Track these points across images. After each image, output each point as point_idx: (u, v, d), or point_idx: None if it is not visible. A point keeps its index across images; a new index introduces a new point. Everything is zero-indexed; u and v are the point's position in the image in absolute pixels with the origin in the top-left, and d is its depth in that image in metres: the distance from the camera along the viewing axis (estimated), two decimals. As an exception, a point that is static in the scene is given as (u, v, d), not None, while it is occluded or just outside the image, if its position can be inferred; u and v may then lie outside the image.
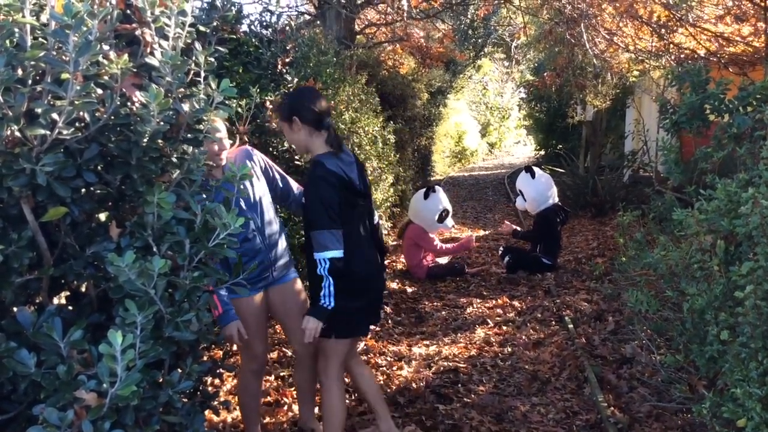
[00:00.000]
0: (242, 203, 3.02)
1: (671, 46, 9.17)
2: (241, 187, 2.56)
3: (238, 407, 3.93)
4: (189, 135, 1.86)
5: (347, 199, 2.92)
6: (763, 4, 6.45)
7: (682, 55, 9.12)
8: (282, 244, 3.23)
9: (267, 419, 3.82)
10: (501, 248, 7.29)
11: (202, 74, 1.91)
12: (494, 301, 6.09)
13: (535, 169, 7.17)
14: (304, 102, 2.94)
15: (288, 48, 4.22)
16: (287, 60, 4.21)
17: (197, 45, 1.86)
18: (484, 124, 25.96)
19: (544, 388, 4.22)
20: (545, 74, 12.08)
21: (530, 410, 3.91)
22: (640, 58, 10.29)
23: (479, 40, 17.54)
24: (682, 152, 4.07)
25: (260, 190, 3.13)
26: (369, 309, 3.10)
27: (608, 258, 7.19)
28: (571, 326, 5.21)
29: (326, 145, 2.97)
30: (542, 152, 18.10)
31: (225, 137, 2.92)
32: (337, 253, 2.82)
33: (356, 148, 6.16)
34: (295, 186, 3.38)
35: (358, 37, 9.98)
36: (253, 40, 4.07)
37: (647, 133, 10.58)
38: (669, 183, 4.43)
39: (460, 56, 14.74)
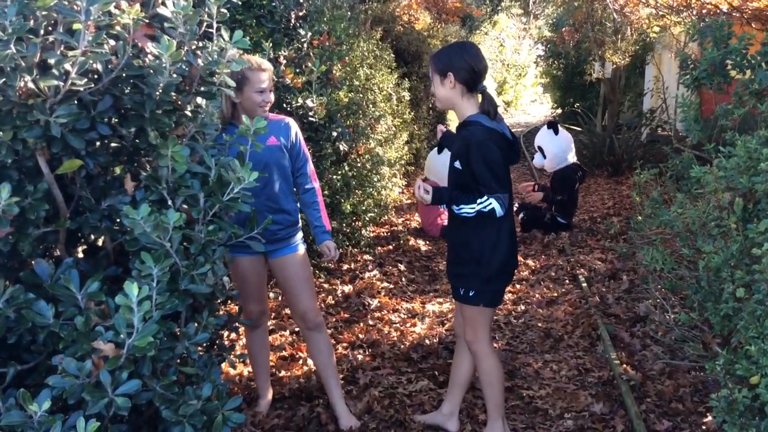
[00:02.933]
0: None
1: (693, 0, 8.95)
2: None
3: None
4: (202, 88, 1.85)
5: (510, 160, 2.80)
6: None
7: (704, 11, 8.90)
8: (281, 221, 3.10)
9: (282, 373, 3.87)
10: (517, 204, 7.26)
11: (215, 26, 1.88)
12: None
13: (559, 126, 7.04)
14: (465, 58, 2.72)
15: (302, 1, 4.16)
16: (300, 14, 4.15)
17: (209, -5, 1.83)
18: (501, 81, 25.62)
19: (557, 346, 4.24)
20: (563, 30, 11.85)
21: (543, 367, 3.94)
22: (660, 13, 10.04)
23: (498, -6, 17.22)
24: (702, 109, 4.00)
25: (275, 158, 3.06)
26: (508, 279, 2.99)
27: (624, 217, 7.15)
28: (584, 285, 5.21)
29: (477, 109, 2.77)
30: (559, 110, 17.87)
31: (268, 89, 2.91)
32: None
33: (371, 105, 6.11)
34: (309, 197, 3.28)
35: (373, -9, 9.82)
36: (266, -8, 4.02)
37: (666, 90, 10.40)
38: (688, 141, 4.36)
39: (476, 12, 14.48)
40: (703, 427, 3.15)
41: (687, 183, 3.93)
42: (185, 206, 1.89)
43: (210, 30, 1.88)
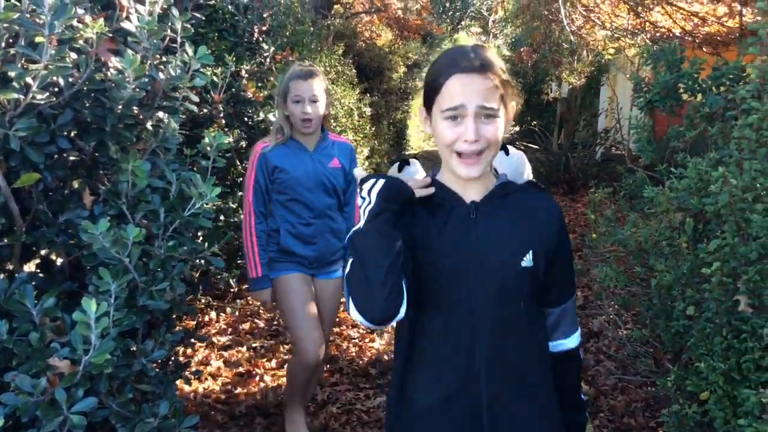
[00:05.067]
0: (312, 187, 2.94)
1: (647, 24, 9.23)
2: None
3: (210, 377, 3.97)
4: (165, 103, 1.84)
5: None
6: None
7: (657, 34, 9.19)
8: (339, 241, 3.07)
9: (239, 389, 3.84)
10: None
11: (179, 40, 1.88)
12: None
13: (509, 147, 7.14)
14: None
15: (265, 16, 4.16)
16: (264, 28, 4.16)
17: (174, 10, 1.83)
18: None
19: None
20: (522, 50, 12.07)
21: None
22: (616, 35, 10.33)
23: (457, 14, 17.48)
24: (655, 131, 4.12)
25: (335, 180, 3.01)
26: None
27: (579, 234, 7.29)
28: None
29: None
30: (517, 128, 18.15)
31: (308, 99, 2.83)
32: None
33: (332, 121, 6.13)
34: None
35: (335, 6, 9.87)
36: (229, 6, 4.01)
37: (620, 111, 10.66)
38: (641, 161, 4.48)
39: (437, 29, 14.66)
40: (655, 442, 3.23)
41: (640, 202, 4.04)
42: (145, 221, 1.87)
43: (173, 44, 1.88)
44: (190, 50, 1.86)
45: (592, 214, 4.63)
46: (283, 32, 5.07)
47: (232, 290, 5.28)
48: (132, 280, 1.76)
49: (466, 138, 1.38)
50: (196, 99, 1.90)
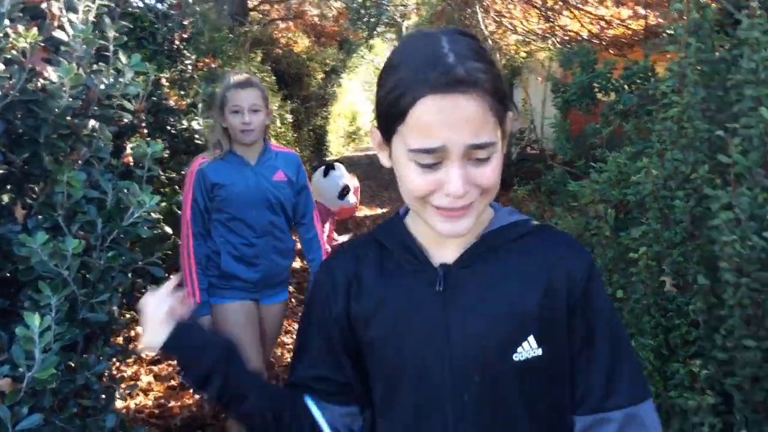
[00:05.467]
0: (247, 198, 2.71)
1: (557, 28, 9.62)
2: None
3: (141, 393, 3.87)
4: (99, 112, 1.81)
5: None
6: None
7: (566, 37, 9.59)
8: (285, 262, 2.88)
9: (172, 403, 3.76)
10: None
11: (111, 49, 1.85)
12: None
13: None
14: None
15: (185, 23, 4.11)
16: (185, 36, 4.10)
17: (106, 19, 1.80)
18: (377, 104, 26.14)
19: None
20: (437, 55, 12.31)
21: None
22: (527, 39, 10.70)
23: (372, 20, 17.60)
24: (572, 129, 4.32)
25: (281, 194, 2.78)
26: None
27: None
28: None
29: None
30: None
31: (247, 109, 2.61)
32: None
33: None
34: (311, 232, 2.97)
35: (251, 13, 9.80)
36: (148, 14, 3.94)
37: (534, 112, 11.05)
38: (558, 158, 4.69)
39: (354, 35, 14.76)
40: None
41: (560, 197, 4.22)
42: (81, 233, 1.83)
43: (105, 53, 1.85)
44: (123, 58, 1.84)
45: (516, 211, 4.78)
46: (201, 40, 5.01)
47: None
48: (72, 293, 1.72)
49: (448, 192, 0.90)
50: (131, 107, 1.87)
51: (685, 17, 1.90)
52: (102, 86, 1.77)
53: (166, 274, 1.96)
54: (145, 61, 3.92)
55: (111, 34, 1.81)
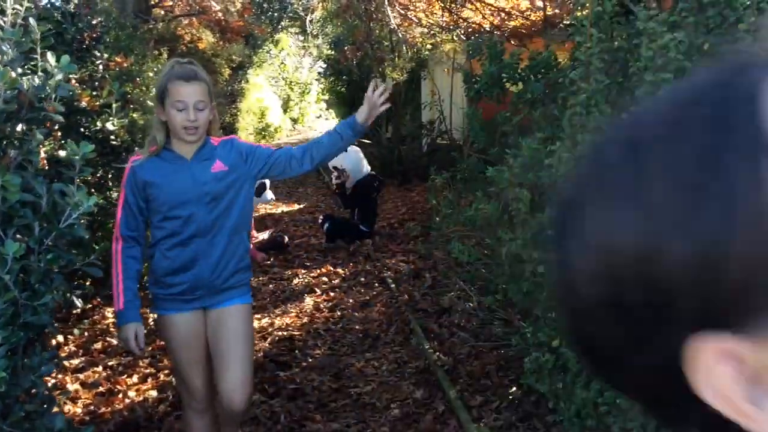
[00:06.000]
0: (181, 194, 2.48)
1: (460, 20, 9.90)
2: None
3: (69, 401, 3.78)
4: (30, 114, 1.80)
5: None
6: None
7: (470, 29, 9.89)
8: (231, 263, 2.58)
9: (103, 409, 3.70)
10: (321, 216, 7.50)
11: (39, 50, 1.84)
12: (318, 270, 6.29)
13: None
14: None
15: (94, 23, 4.02)
16: (95, 35, 4.01)
17: (32, 21, 1.79)
18: (285, 99, 25.96)
19: (376, 344, 4.50)
20: (345, 48, 12.39)
21: (365, 365, 4.17)
22: (432, 32, 10.94)
23: (275, 14, 17.47)
24: (484, 118, 4.52)
25: (223, 187, 2.52)
26: None
27: (418, 221, 7.69)
28: (393, 285, 5.56)
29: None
30: (345, 125, 18.56)
31: (192, 106, 2.38)
32: None
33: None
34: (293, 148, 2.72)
35: (154, 10, 9.56)
36: (56, 14, 3.83)
37: (442, 102, 11.32)
38: (472, 146, 4.89)
39: (260, 30, 14.62)
40: (510, 397, 3.56)
41: (476, 184, 4.41)
42: (18, 236, 1.81)
43: (32, 55, 1.84)
44: (52, 59, 1.83)
45: (434, 200, 4.96)
46: (107, 39, 4.90)
47: (76, 311, 5.02)
48: (13, 297, 1.71)
49: None
50: (62, 109, 1.86)
51: (587, 10, 2.07)
52: (32, 89, 1.76)
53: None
54: (53, 61, 3.83)
55: (37, 36, 1.80)
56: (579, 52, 2.02)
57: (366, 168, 7.34)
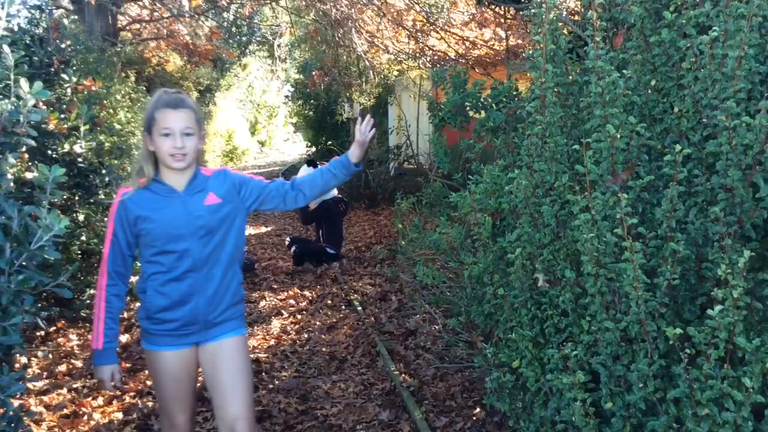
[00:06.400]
0: (174, 228, 2.40)
1: (426, 48, 10.10)
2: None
3: (33, 424, 3.74)
4: (4, 138, 1.84)
5: None
6: (501, 12, 7.41)
7: (435, 57, 10.10)
8: (227, 296, 2.51)
9: (67, 431, 3.68)
10: (288, 239, 7.53)
11: (12, 77, 1.89)
12: (286, 293, 6.31)
13: (317, 162, 7.46)
14: None
15: (63, 47, 4.05)
16: (63, 59, 4.04)
17: (5, 47, 1.84)
18: (253, 122, 26.01)
19: (342, 366, 4.54)
20: (314, 73, 12.52)
21: (332, 387, 4.20)
22: (398, 59, 11.13)
23: (244, 38, 17.55)
24: (448, 144, 4.64)
25: (217, 220, 2.45)
26: None
27: (385, 245, 7.77)
28: (359, 308, 5.61)
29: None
30: (314, 149, 18.66)
31: (180, 132, 2.32)
32: None
33: (134, 149, 6.01)
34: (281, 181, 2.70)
35: (122, 33, 9.58)
36: (25, 38, 3.86)
37: (409, 128, 11.49)
38: (437, 172, 5.00)
39: (228, 54, 14.68)
40: (474, 418, 3.64)
41: (441, 208, 4.52)
42: (-11, 259, 1.84)
43: (6, 81, 1.88)
44: (25, 86, 1.88)
45: (400, 224, 5.05)
46: (73, 62, 4.93)
47: (40, 333, 4.98)
48: (-16, 318, 1.74)
49: None
50: (34, 133, 1.91)
51: (542, 46, 2.19)
52: (5, 114, 1.81)
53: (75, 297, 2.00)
54: (21, 85, 3.85)
55: (11, 62, 1.85)
56: (534, 85, 2.13)
57: (333, 191, 7.41)
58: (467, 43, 9.69)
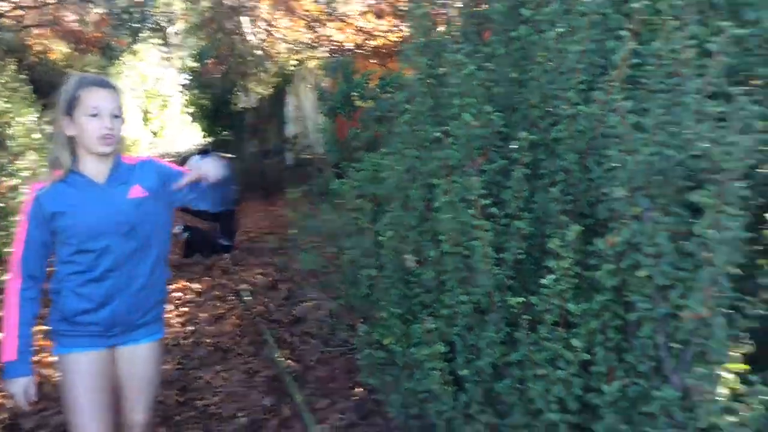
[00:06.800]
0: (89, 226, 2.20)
1: (323, 38, 10.15)
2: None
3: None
4: None
5: None
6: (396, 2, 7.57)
7: (333, 47, 10.16)
8: (152, 297, 2.36)
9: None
10: (180, 226, 7.36)
11: None
12: (172, 286, 6.20)
13: (212, 152, 7.28)
14: None
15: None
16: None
17: None
18: (145, 111, 25.13)
19: (227, 357, 4.54)
20: (208, 61, 12.29)
21: (214, 377, 4.19)
22: (296, 48, 11.11)
23: (135, 25, 16.96)
24: (338, 133, 4.73)
25: (142, 215, 2.26)
26: None
27: (279, 235, 7.77)
28: (248, 298, 5.61)
29: None
30: (210, 139, 18.26)
31: (108, 113, 2.15)
32: None
33: (10, 141, 5.75)
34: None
35: (2, 19, 9.07)
36: None
37: (306, 118, 11.50)
38: (328, 161, 5.08)
39: (119, 41, 14.16)
40: (354, 398, 3.74)
41: (328, 196, 4.60)
42: None
43: None
44: None
45: (292, 213, 5.10)
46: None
47: None
48: None
49: None
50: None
51: (413, 39, 2.31)
52: None
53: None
54: None
55: None
56: (404, 77, 2.24)
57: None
58: (364, 34, 9.81)
